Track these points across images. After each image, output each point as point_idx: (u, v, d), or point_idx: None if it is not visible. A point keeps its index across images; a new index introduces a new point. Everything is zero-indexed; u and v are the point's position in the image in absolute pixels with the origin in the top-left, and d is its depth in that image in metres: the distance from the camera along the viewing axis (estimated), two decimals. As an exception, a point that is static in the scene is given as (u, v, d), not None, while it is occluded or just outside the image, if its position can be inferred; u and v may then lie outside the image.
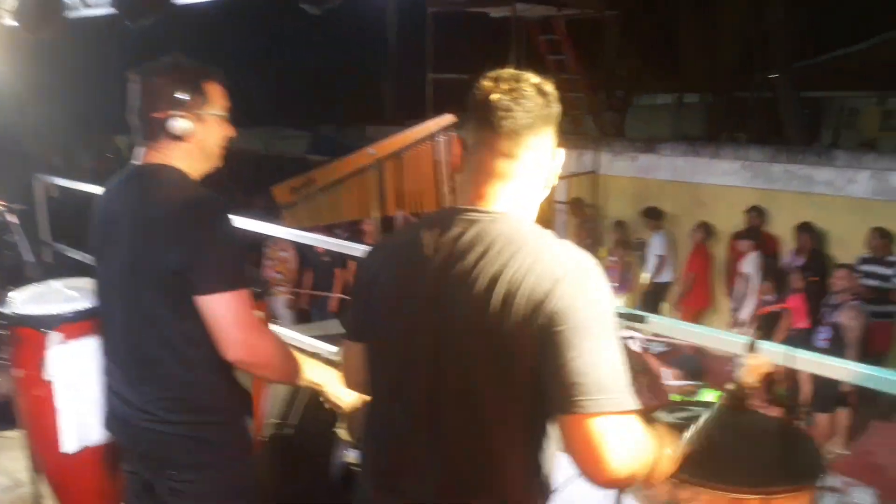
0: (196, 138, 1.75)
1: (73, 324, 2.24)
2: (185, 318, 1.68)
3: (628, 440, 1.20)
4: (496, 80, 1.32)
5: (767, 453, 1.86)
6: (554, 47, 9.96)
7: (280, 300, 7.01)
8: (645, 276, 8.69)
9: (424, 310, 1.30)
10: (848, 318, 5.56)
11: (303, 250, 6.67)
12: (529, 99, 1.30)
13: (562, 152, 1.38)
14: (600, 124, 10.37)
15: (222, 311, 1.65)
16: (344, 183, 3.08)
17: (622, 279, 8.46)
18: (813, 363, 2.06)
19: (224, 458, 1.83)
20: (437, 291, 1.29)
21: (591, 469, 1.19)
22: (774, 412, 2.08)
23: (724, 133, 13.98)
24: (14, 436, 3.59)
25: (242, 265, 1.77)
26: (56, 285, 2.64)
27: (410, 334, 1.33)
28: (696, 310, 8.32)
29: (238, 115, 1.86)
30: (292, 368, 1.83)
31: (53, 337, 2.21)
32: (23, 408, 2.40)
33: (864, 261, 6.72)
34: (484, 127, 1.32)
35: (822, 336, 5.70)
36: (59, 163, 10.27)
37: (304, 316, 7.03)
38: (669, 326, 2.42)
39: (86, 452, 2.26)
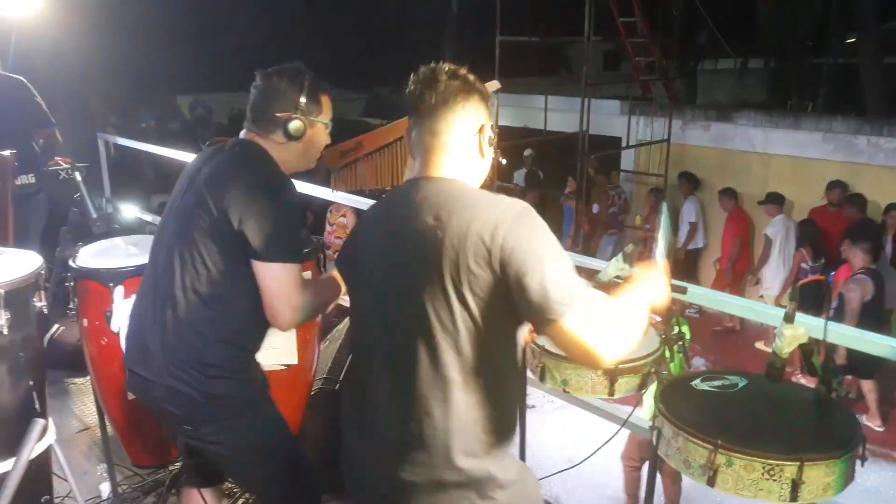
0: (304, 140, 1.98)
1: (136, 278, 2.36)
2: (240, 277, 1.82)
3: (601, 325, 1.42)
4: (416, 73, 1.58)
5: (803, 422, 1.88)
6: (625, 9, 9.70)
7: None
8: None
9: (379, 263, 1.53)
10: (847, 290, 5.88)
11: None
12: (441, 82, 1.54)
13: (488, 124, 1.60)
14: (671, 91, 10.03)
15: (274, 280, 1.82)
16: (390, 148, 3.10)
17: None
18: (850, 337, 2.05)
19: (254, 405, 1.96)
20: (394, 242, 1.51)
21: (587, 360, 1.44)
22: (811, 382, 2.08)
23: (791, 101, 13.41)
24: (81, 382, 3.82)
25: (298, 239, 1.91)
26: (118, 241, 2.78)
27: (370, 286, 1.56)
28: (742, 273, 8.37)
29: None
30: (329, 303, 2.05)
31: (118, 290, 2.34)
32: (90, 356, 2.56)
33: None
34: (413, 113, 1.59)
35: (833, 306, 6.07)
36: (119, 122, 10.58)
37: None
38: (709, 297, 2.42)
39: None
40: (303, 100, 1.95)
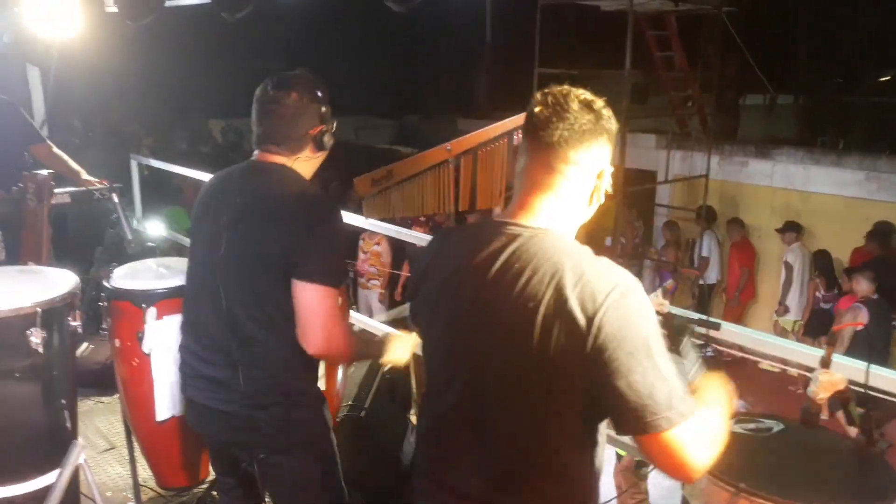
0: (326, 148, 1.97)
1: (169, 300, 2.38)
2: (289, 298, 1.80)
3: (702, 439, 1.29)
4: (546, 94, 1.39)
5: (836, 472, 1.84)
6: (663, 44, 9.69)
7: (373, 294, 7.09)
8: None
9: (466, 317, 1.38)
10: (842, 318, 6.11)
11: (400, 243, 6.56)
12: (572, 113, 1.35)
13: (609, 170, 1.42)
14: (707, 125, 9.87)
15: (313, 302, 1.78)
16: (420, 177, 3.12)
17: (673, 279, 8.61)
18: (892, 381, 2.01)
19: (311, 438, 1.94)
20: (478, 301, 1.36)
21: (680, 475, 1.32)
22: (850, 432, 2.03)
23: (823, 138, 13.27)
24: (109, 401, 3.85)
25: (343, 264, 1.93)
26: (150, 263, 2.81)
27: (453, 337, 1.42)
28: (747, 303, 8.61)
29: (331, 104, 2.01)
30: (359, 356, 2.04)
31: (151, 312, 2.36)
32: (121, 376, 2.58)
33: None
34: (530, 138, 1.39)
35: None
36: (152, 144, 10.75)
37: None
38: (743, 335, 2.40)
39: (175, 420, 2.41)
40: (324, 109, 1.94)
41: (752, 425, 1.96)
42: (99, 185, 3.58)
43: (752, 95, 16.47)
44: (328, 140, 1.95)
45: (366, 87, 14.26)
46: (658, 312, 2.14)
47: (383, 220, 3.46)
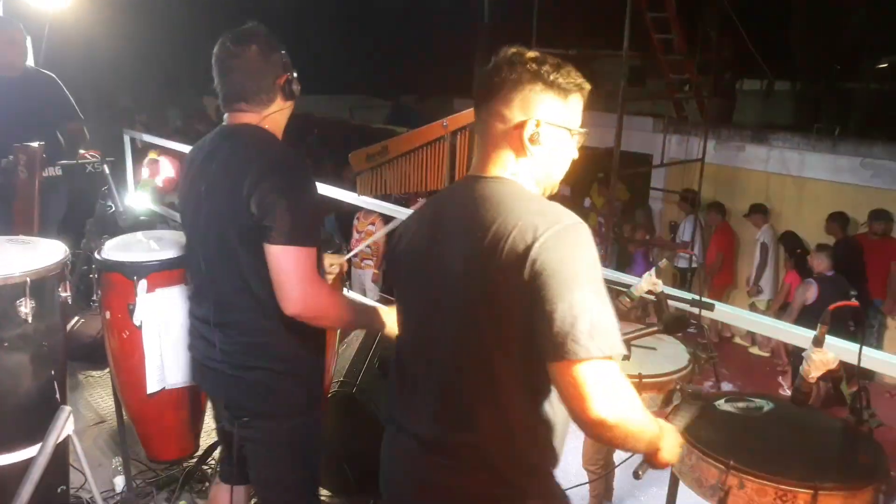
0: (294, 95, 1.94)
1: (160, 272, 2.37)
2: (264, 266, 1.79)
3: (613, 385, 1.27)
4: (491, 57, 1.46)
5: (824, 450, 1.84)
6: (662, 26, 9.62)
7: (367, 274, 7.10)
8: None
9: (424, 261, 1.47)
10: (798, 291, 6.49)
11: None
12: (499, 69, 1.42)
13: (541, 119, 1.42)
14: (704, 109, 9.81)
15: (286, 263, 1.76)
16: (416, 153, 3.09)
17: (646, 262, 8.66)
18: (885, 363, 2.01)
19: (295, 408, 1.94)
20: (432, 242, 1.45)
21: (578, 411, 1.27)
22: (839, 412, 2.04)
23: (819, 125, 13.23)
24: (99, 375, 3.84)
25: (315, 223, 1.88)
26: (139, 235, 2.79)
27: (416, 284, 1.50)
28: (723, 287, 8.68)
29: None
30: (350, 320, 1.97)
31: (142, 284, 2.34)
32: (111, 348, 2.57)
33: None
34: (474, 98, 1.48)
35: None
36: (146, 121, 10.68)
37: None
38: (737, 316, 2.40)
39: (165, 393, 2.40)
40: (285, 59, 1.92)
41: (742, 404, 1.96)
42: (91, 158, 3.55)
43: (749, 80, 16.42)
44: (296, 87, 1.93)
45: (361, 66, 14.17)
46: (651, 292, 2.15)
47: (378, 197, 3.44)
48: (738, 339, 8.44)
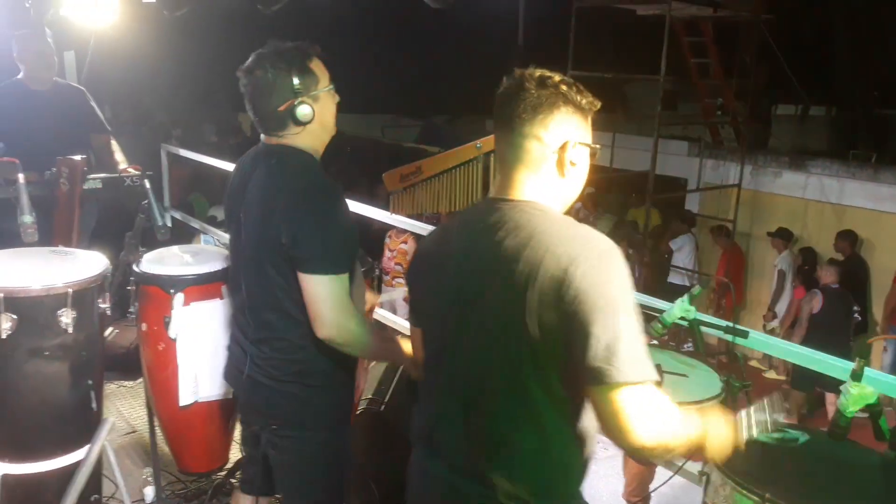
0: (317, 118, 1.87)
1: (196, 286, 2.41)
2: (298, 291, 1.83)
3: (652, 409, 1.29)
4: (509, 76, 1.46)
5: (862, 486, 1.81)
6: (699, 51, 9.56)
7: (399, 292, 7.11)
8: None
9: (451, 288, 1.46)
10: (804, 301, 6.56)
11: None
12: (527, 89, 1.42)
13: (576, 141, 1.44)
14: (741, 134, 9.72)
15: (319, 291, 1.79)
16: (449, 174, 3.11)
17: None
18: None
19: (323, 421, 1.96)
20: (462, 267, 1.45)
21: (618, 436, 1.29)
22: (880, 447, 2.00)
23: (855, 151, 13.02)
24: (132, 385, 3.89)
25: (348, 250, 1.88)
26: (174, 249, 2.84)
27: (442, 313, 1.49)
28: (730, 308, 8.56)
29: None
30: (379, 351, 2.00)
31: (178, 297, 2.38)
32: (145, 360, 2.61)
33: None
34: (495, 119, 1.47)
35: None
36: (181, 136, 10.86)
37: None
38: (770, 344, 2.37)
39: (197, 406, 2.43)
40: (296, 81, 1.82)
41: (778, 435, 1.93)
42: (133, 172, 3.62)
43: (783, 105, 16.25)
44: (305, 113, 1.82)
45: (394, 86, 14.29)
46: (684, 318, 2.13)
47: (410, 216, 3.47)
48: (754, 363, 8.36)
